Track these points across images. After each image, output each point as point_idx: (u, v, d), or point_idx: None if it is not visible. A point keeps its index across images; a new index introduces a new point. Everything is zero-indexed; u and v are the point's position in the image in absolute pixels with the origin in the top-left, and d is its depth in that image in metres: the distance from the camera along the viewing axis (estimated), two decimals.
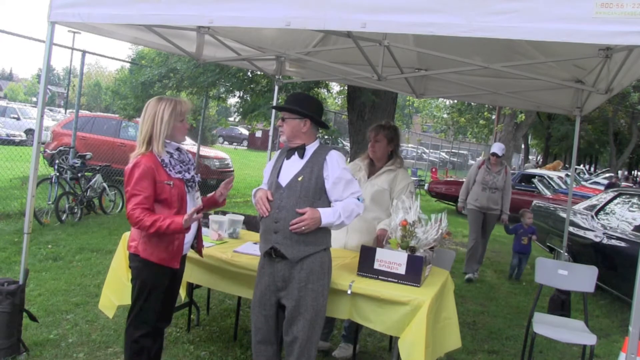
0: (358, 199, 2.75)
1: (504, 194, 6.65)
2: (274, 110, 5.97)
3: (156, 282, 2.73)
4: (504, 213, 6.66)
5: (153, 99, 2.78)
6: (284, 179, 2.74)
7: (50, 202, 7.25)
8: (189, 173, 2.79)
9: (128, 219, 2.61)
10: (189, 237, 2.84)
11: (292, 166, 2.76)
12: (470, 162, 35.31)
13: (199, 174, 2.91)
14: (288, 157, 2.81)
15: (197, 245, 3.00)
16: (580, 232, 6.49)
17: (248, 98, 9.05)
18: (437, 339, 2.95)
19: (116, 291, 3.38)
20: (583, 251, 6.30)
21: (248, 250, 3.33)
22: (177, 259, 2.75)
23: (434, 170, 19.45)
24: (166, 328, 3.12)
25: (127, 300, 2.93)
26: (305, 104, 2.77)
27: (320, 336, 2.81)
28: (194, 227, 2.88)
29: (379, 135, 3.61)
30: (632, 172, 36.71)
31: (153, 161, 2.64)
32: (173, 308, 3.05)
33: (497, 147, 6.78)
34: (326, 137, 9.80)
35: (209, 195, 3.04)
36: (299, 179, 2.70)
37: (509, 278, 6.84)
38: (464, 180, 14.65)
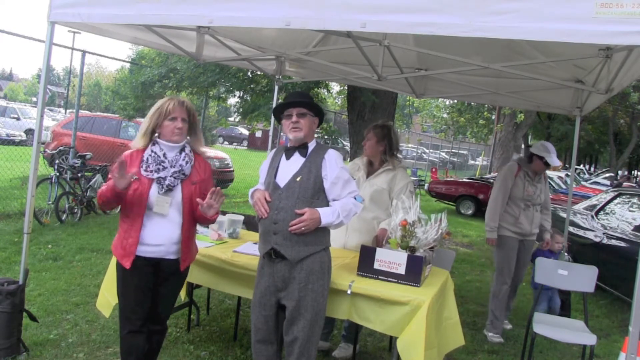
0: (355, 198, 2.75)
1: (544, 208, 4.73)
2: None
3: (121, 278, 2.74)
4: (547, 231, 4.75)
5: None
6: (282, 179, 2.73)
7: (50, 202, 7.24)
8: (158, 172, 2.65)
9: None
10: (155, 240, 2.66)
11: (290, 166, 2.75)
12: (471, 162, 35.27)
13: (173, 178, 2.66)
14: (288, 157, 2.79)
15: (182, 257, 2.77)
16: (580, 232, 6.50)
17: (248, 98, 9.06)
18: (442, 339, 2.95)
19: (112, 290, 3.36)
20: (583, 251, 6.31)
21: (248, 250, 3.32)
22: (128, 257, 2.65)
23: (434, 170, 19.46)
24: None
25: None
26: (314, 102, 2.82)
27: (320, 336, 2.81)
28: (165, 229, 2.67)
29: (370, 134, 3.65)
30: (632, 172, 36.69)
31: (134, 154, 2.71)
32: (160, 311, 2.85)
33: (554, 154, 4.47)
34: (326, 137, 9.80)
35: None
36: (298, 179, 2.69)
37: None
38: (464, 180, 14.64)
